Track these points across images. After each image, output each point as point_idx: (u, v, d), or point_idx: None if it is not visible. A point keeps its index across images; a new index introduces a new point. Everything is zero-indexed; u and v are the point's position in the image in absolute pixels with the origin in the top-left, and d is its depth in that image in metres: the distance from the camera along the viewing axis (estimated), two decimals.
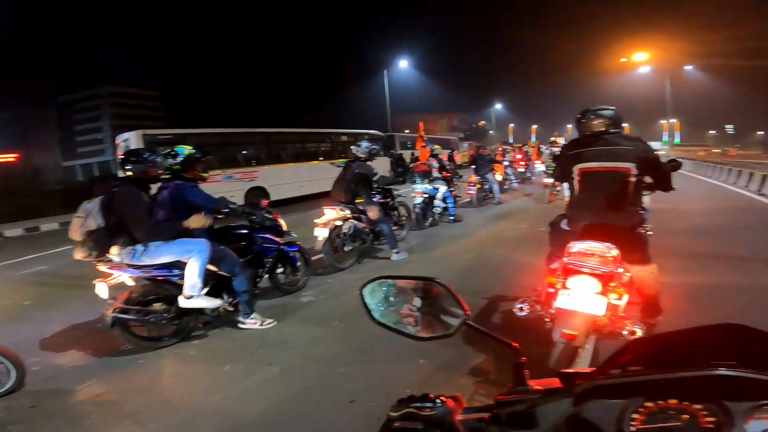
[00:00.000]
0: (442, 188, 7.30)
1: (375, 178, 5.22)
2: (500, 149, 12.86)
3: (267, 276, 3.98)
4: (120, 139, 10.53)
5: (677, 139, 29.37)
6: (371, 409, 2.22)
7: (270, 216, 3.89)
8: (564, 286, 2.15)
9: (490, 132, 60.75)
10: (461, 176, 8.94)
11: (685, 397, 0.56)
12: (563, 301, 2.13)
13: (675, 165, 2.70)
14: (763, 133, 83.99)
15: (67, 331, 3.62)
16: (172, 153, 3.40)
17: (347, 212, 4.98)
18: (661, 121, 30.79)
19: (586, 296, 2.08)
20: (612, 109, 2.53)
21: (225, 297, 3.32)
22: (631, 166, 2.31)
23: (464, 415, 0.65)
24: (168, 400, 2.51)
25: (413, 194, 7.15)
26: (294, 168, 12.33)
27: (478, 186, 9.19)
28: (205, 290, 3.17)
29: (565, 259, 2.22)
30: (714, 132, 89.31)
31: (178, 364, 2.99)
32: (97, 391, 2.62)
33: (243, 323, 3.34)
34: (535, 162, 15.20)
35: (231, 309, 3.37)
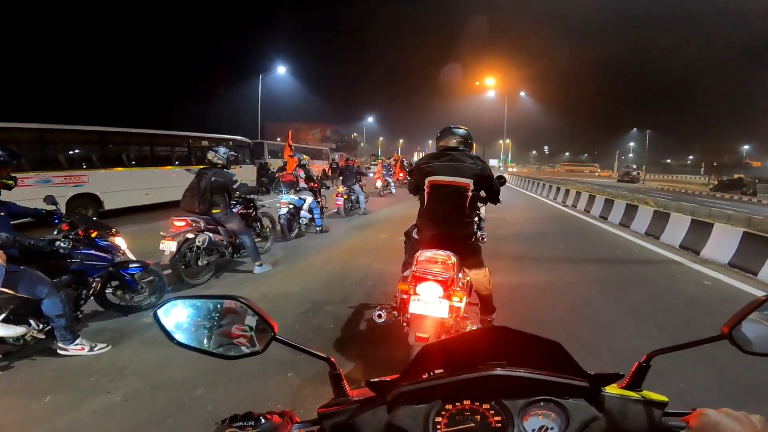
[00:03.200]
0: (309, 199, 7.24)
1: (235, 186, 4.83)
2: (381, 162, 14.97)
3: (94, 298, 3.37)
4: None
5: (510, 158, 35.23)
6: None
7: (71, 242, 3.11)
8: (415, 293, 2.32)
9: (362, 144, 63.29)
10: (329, 187, 9.01)
11: (473, 397, 0.61)
12: (415, 306, 2.29)
13: (502, 181, 3.19)
14: (568, 153, 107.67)
15: None
16: None
17: (201, 223, 4.49)
18: (500, 141, 36.59)
19: (433, 301, 2.27)
20: (465, 130, 2.84)
21: (32, 323, 2.80)
22: (470, 182, 2.61)
23: (295, 431, 0.63)
24: None
25: (278, 205, 6.98)
26: (138, 173, 10.60)
27: (345, 197, 9.46)
28: (2, 316, 2.67)
29: (414, 267, 2.39)
30: (534, 152, 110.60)
31: None
32: None
33: (65, 350, 2.88)
34: (399, 175, 16.40)
35: (43, 336, 2.85)
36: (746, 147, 54.88)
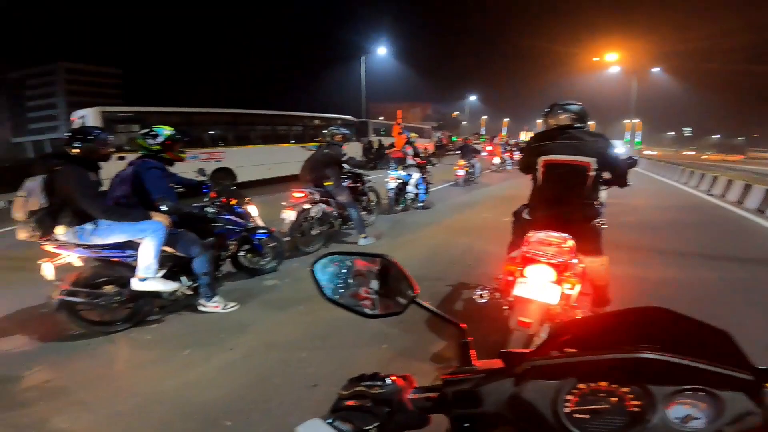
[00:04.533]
0: (416, 175, 7.53)
1: (344, 159, 5.17)
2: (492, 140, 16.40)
3: (230, 260, 3.89)
4: (75, 116, 9.86)
5: (638, 139, 30.76)
6: (333, 393, 2.23)
7: (218, 209, 3.63)
8: (522, 275, 2.22)
9: (463, 123, 61.36)
10: (434, 164, 9.61)
11: (613, 379, 0.58)
12: (520, 289, 2.19)
13: (632, 162, 2.83)
14: (718, 136, 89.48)
15: (11, 316, 3.39)
16: (152, 133, 3.25)
17: (316, 195, 4.92)
18: (625, 121, 32.11)
19: (542, 285, 2.15)
20: (579, 105, 2.60)
21: (183, 280, 3.21)
22: (591, 161, 2.39)
23: (413, 394, 0.66)
24: (120, 387, 2.41)
25: (387, 179, 7.39)
26: (263, 150, 12.00)
27: (466, 169, 10.96)
28: (162, 272, 3.06)
29: (523, 248, 2.29)
30: (672, 133, 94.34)
31: (131, 350, 2.87)
32: (44, 377, 2.49)
33: (204, 306, 3.27)
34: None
35: (190, 292, 3.27)
36: None
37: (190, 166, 8.91)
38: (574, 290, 2.25)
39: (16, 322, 3.27)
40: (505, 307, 2.47)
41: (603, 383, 0.58)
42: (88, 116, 9.28)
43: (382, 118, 32.58)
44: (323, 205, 4.96)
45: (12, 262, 4.93)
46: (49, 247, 2.88)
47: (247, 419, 2.09)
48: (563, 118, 2.55)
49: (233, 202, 3.82)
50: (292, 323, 3.18)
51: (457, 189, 10.75)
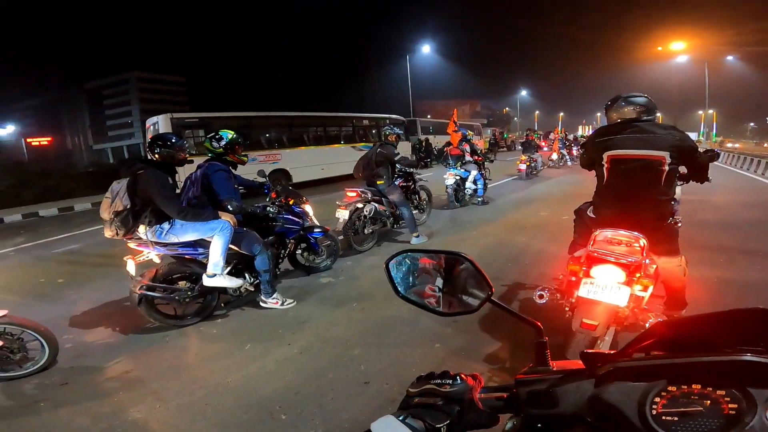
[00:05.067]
0: (473, 171, 7.71)
1: (396, 159, 5.21)
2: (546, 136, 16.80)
3: (288, 258, 4.06)
4: (149, 122, 10.82)
5: (714, 131, 27.98)
6: (384, 390, 2.26)
7: (278, 208, 3.79)
8: (587, 275, 2.10)
9: (515, 119, 59.29)
10: (492, 160, 9.71)
11: (709, 382, 0.55)
12: (585, 290, 2.08)
13: (712, 155, 2.59)
14: None
15: (97, 309, 3.75)
16: (217, 137, 3.48)
17: (368, 194, 5.01)
18: (699, 112, 29.32)
19: (610, 286, 2.03)
20: (645, 96, 2.42)
21: (246, 276, 3.38)
22: (665, 155, 2.22)
23: (483, 393, 0.66)
24: (190, 378, 2.58)
25: (446, 176, 7.57)
26: (315, 151, 12.42)
27: (528, 163, 11.73)
28: (228, 269, 3.24)
29: (589, 247, 2.17)
30: (753, 124, 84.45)
31: (200, 343, 3.04)
32: (125, 368, 2.69)
33: (264, 302, 3.41)
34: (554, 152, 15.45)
35: (252, 289, 3.43)
36: None
37: (250, 168, 9.49)
38: (647, 293, 2.11)
39: (101, 314, 3.61)
40: (566, 309, 2.37)
41: (696, 386, 0.56)
42: (159, 122, 10.12)
43: (429, 116, 32.37)
44: (376, 204, 5.03)
45: (100, 259, 5.49)
46: (131, 245, 3.17)
47: (301, 413, 2.16)
48: (628, 111, 2.39)
49: (291, 201, 3.99)
50: (346, 320, 3.25)
51: (514, 184, 11.07)
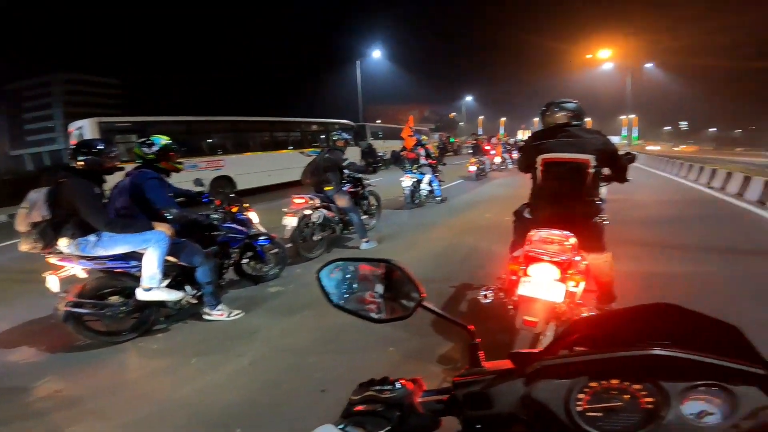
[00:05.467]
0: (428, 174, 8.34)
1: (344, 164, 5.18)
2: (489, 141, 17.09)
3: (233, 268, 3.91)
4: (73, 127, 9.88)
5: (635, 135, 30.76)
6: (342, 398, 2.22)
7: (222, 215, 3.69)
8: (525, 274, 2.22)
9: (461, 124, 61.35)
10: (445, 164, 11.00)
11: (624, 376, 0.58)
12: (524, 288, 2.19)
13: (630, 158, 2.84)
14: (715, 129, 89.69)
15: (18, 328, 3.40)
16: (148, 142, 3.26)
17: (316, 201, 4.93)
18: (621, 117, 32.09)
19: (546, 283, 2.15)
20: (575, 102, 2.61)
21: (188, 289, 3.23)
22: (590, 158, 2.39)
23: (423, 398, 0.66)
24: (133, 396, 2.42)
25: (403, 178, 8.03)
26: (262, 157, 12.03)
27: (477, 165, 12.83)
28: (166, 282, 3.07)
29: (526, 247, 2.29)
30: (668, 128, 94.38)
31: (141, 359, 2.88)
32: (55, 387, 2.51)
33: (209, 315, 3.28)
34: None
35: (195, 301, 3.29)
36: None
37: (189, 175, 8.99)
38: (579, 288, 2.25)
39: (22, 333, 3.27)
40: (510, 307, 2.47)
41: (615, 381, 0.58)
42: (85, 127, 9.30)
43: (379, 121, 32.62)
44: (324, 211, 4.97)
45: (16, 275, 4.94)
46: (52, 260, 2.89)
47: (257, 425, 2.10)
48: (560, 117, 2.56)
49: (234, 209, 3.84)
50: (299, 329, 3.19)
51: (464, 185, 11.85)
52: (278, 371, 2.60)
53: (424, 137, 9.16)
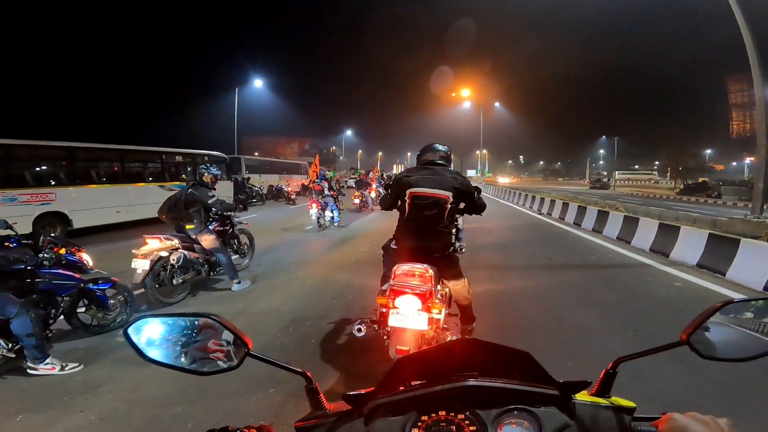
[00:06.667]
0: (330, 202, 9.94)
1: (211, 202, 4.72)
2: (367, 175, 18.44)
3: (63, 317, 3.29)
4: None
5: (487, 168, 35.84)
6: None
7: (50, 256, 3.20)
8: (393, 306, 2.33)
9: (341, 158, 63.20)
10: (344, 194, 12.85)
11: (449, 408, 0.63)
12: (394, 319, 2.31)
13: (478, 191, 3.25)
14: (542, 162, 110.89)
15: None
16: None
17: (175, 241, 4.38)
18: (476, 152, 37.13)
19: (411, 314, 2.28)
20: (446, 147, 2.90)
21: (1, 342, 2.80)
22: (449, 194, 2.64)
23: None
24: None
25: (309, 205, 9.86)
26: (109, 190, 10.25)
27: (361, 198, 14.21)
28: None
29: (392, 281, 2.40)
30: (510, 162, 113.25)
31: None
32: None
33: (34, 369, 2.84)
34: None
35: (12, 355, 2.84)
36: (709, 151, 57.80)
37: (5, 210, 7.14)
38: (441, 314, 2.44)
39: None
40: (384, 337, 2.54)
41: (442, 413, 0.63)
42: None
43: (257, 153, 31.34)
44: (184, 252, 4.43)
45: None
46: None
47: None
48: (430, 156, 2.81)
49: (61, 250, 3.25)
50: (158, 379, 2.74)
51: (350, 216, 12.57)
52: (137, 425, 2.29)
53: (327, 172, 10.64)
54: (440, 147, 2.87)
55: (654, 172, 66.15)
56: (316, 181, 10.26)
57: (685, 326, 0.68)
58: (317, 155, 12.04)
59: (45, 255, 3.16)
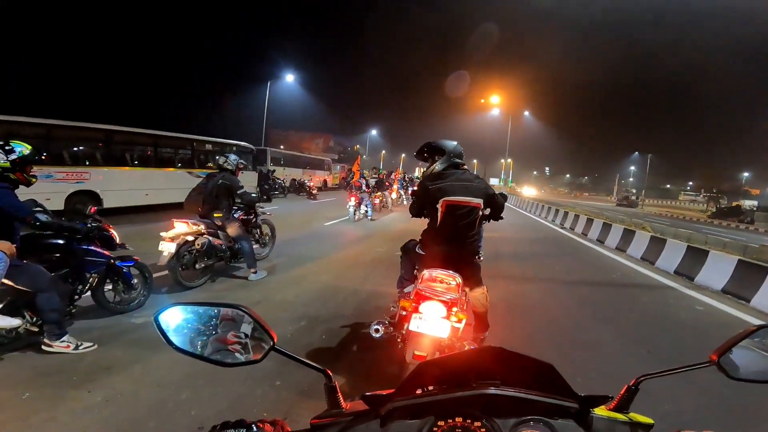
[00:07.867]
0: (365, 198, 11.57)
1: (239, 192, 4.84)
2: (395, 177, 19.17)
3: (90, 293, 3.37)
4: None
5: (510, 178, 35.14)
6: None
7: (97, 225, 3.34)
8: (417, 310, 2.30)
9: (363, 156, 63.22)
10: (377, 191, 13.97)
11: (466, 415, 0.63)
12: (415, 324, 2.26)
13: (504, 197, 3.20)
14: (569, 175, 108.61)
15: None
16: (7, 148, 2.76)
17: (201, 227, 4.49)
18: (501, 160, 36.50)
19: (434, 320, 2.25)
20: (455, 143, 2.75)
21: (26, 315, 2.81)
22: (481, 201, 2.62)
23: None
24: None
25: (347, 198, 11.26)
26: (140, 173, 10.61)
27: (381, 199, 14.61)
28: None
29: (418, 285, 2.39)
30: (535, 172, 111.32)
31: None
32: None
33: (49, 346, 2.83)
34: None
35: (35, 329, 2.85)
36: (746, 174, 55.39)
37: (41, 186, 7.46)
38: (461, 324, 2.40)
39: None
40: (398, 340, 2.53)
41: (459, 419, 0.63)
42: None
43: (282, 147, 31.76)
44: (210, 238, 4.54)
45: None
46: None
47: None
48: (452, 159, 2.68)
49: (106, 226, 3.43)
50: (168, 363, 2.79)
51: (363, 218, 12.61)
52: (142, 409, 2.29)
53: (366, 172, 11.63)
54: (457, 148, 2.74)
55: (697, 195, 63.32)
56: (358, 179, 11.86)
57: (717, 347, 0.69)
58: (359, 156, 13.02)
59: (92, 225, 3.29)
